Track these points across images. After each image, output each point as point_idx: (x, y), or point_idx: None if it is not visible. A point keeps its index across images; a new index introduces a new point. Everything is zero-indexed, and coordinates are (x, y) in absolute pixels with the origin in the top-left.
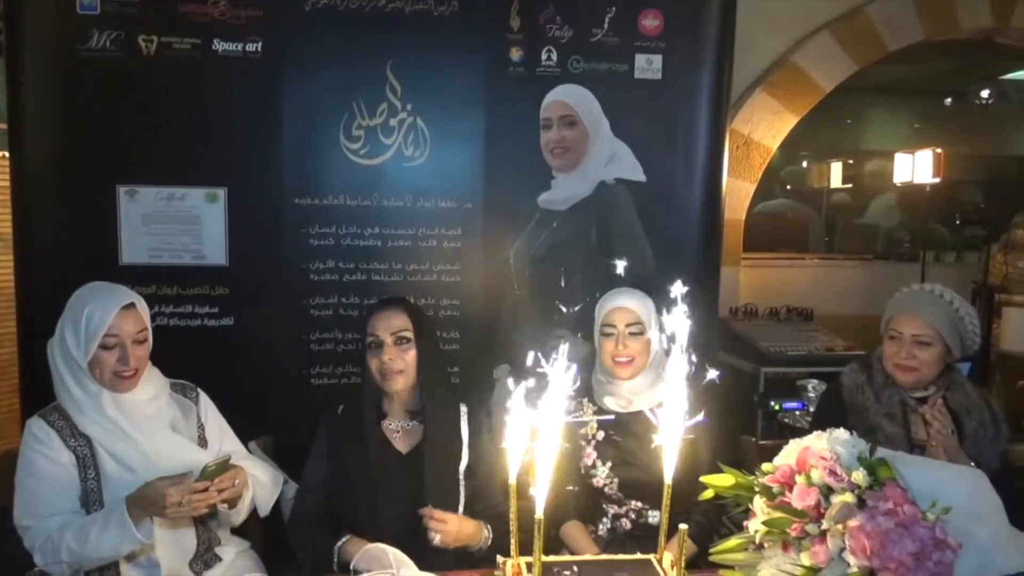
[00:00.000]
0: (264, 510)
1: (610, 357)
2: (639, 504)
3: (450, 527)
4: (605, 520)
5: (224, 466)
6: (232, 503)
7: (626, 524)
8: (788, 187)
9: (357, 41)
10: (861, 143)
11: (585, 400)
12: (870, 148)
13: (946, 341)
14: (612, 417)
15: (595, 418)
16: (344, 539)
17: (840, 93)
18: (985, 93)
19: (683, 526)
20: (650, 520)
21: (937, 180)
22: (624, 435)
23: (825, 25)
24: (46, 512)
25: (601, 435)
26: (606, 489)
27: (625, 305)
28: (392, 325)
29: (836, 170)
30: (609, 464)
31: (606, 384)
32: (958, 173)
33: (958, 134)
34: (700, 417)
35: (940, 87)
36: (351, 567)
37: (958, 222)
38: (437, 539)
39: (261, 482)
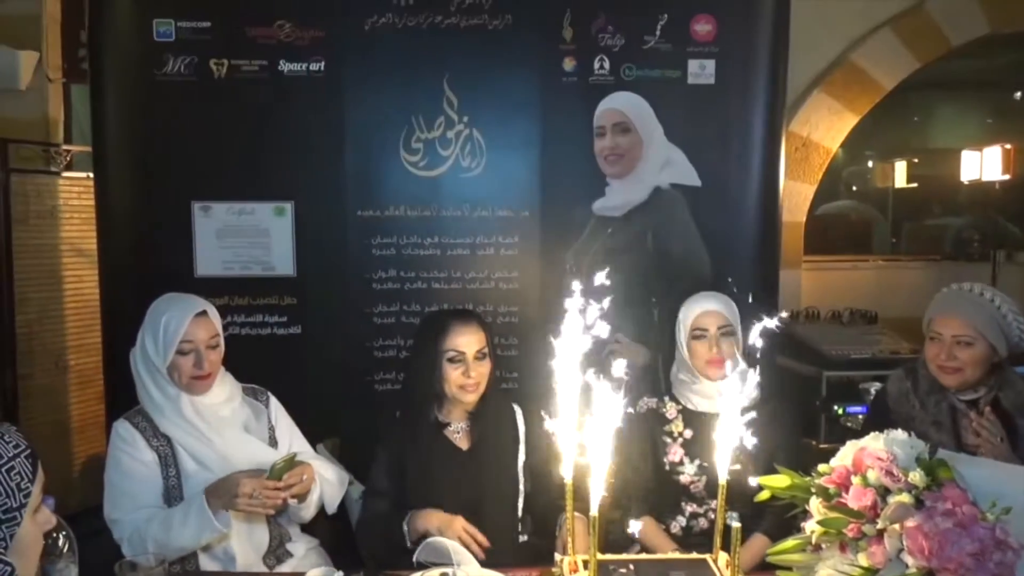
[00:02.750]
0: (331, 508)
1: (704, 360)
2: None
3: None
4: (680, 518)
5: (291, 463)
6: (302, 498)
7: (703, 523)
8: (854, 188)
9: (414, 57)
10: (928, 141)
11: (667, 398)
12: (937, 146)
13: (989, 340)
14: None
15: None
16: (407, 516)
17: (906, 90)
18: None
19: (736, 524)
20: (729, 523)
21: (1007, 177)
22: (712, 434)
23: (885, 22)
24: (132, 507)
25: (689, 433)
26: (692, 487)
27: (714, 309)
28: (475, 342)
29: (900, 169)
30: (697, 462)
31: (691, 384)
32: None
33: None
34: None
35: (1010, 81)
36: (414, 560)
37: None
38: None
39: (328, 480)
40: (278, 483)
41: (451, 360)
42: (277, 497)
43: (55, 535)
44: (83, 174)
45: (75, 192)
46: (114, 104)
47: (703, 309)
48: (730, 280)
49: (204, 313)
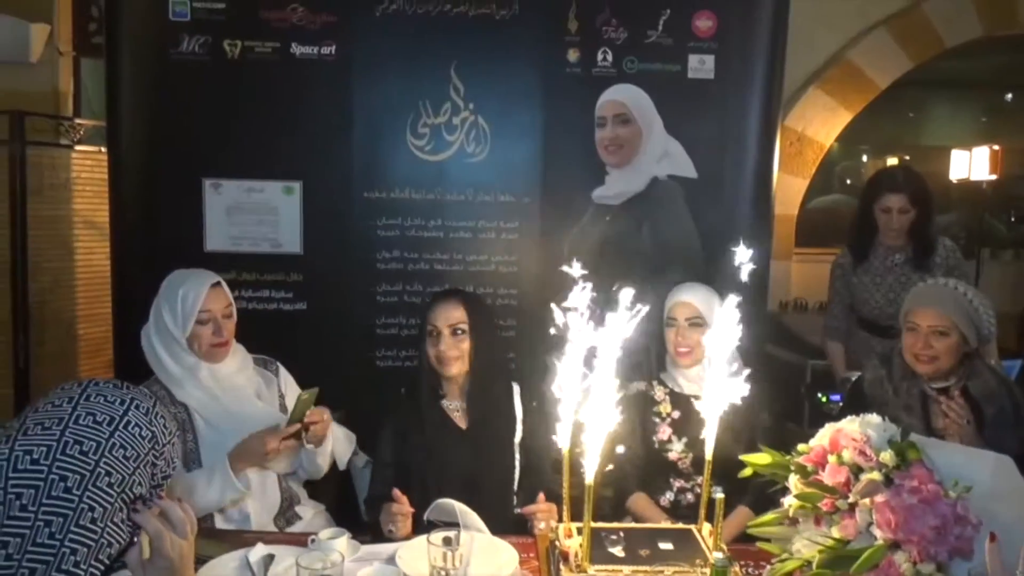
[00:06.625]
0: (342, 463)
1: (672, 346)
2: None
3: (554, 512)
4: (669, 493)
5: (313, 397)
6: (318, 441)
7: (690, 498)
8: (848, 182)
9: (423, 44)
10: (920, 138)
11: (655, 382)
12: (929, 143)
13: (961, 330)
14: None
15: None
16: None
17: (900, 86)
18: None
19: (720, 495)
20: (714, 496)
21: (994, 177)
22: (698, 414)
23: (881, 22)
24: None
25: (677, 414)
26: (679, 464)
27: (686, 300)
28: (449, 318)
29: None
30: (685, 440)
31: (675, 368)
32: (1018, 169)
33: (1019, 129)
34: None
35: (1001, 82)
36: (424, 518)
37: (1012, 219)
38: (542, 525)
39: (338, 437)
40: (298, 426)
41: (429, 334)
42: (292, 430)
43: None
44: (95, 148)
45: (87, 165)
46: (129, 81)
47: (676, 300)
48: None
49: (218, 284)
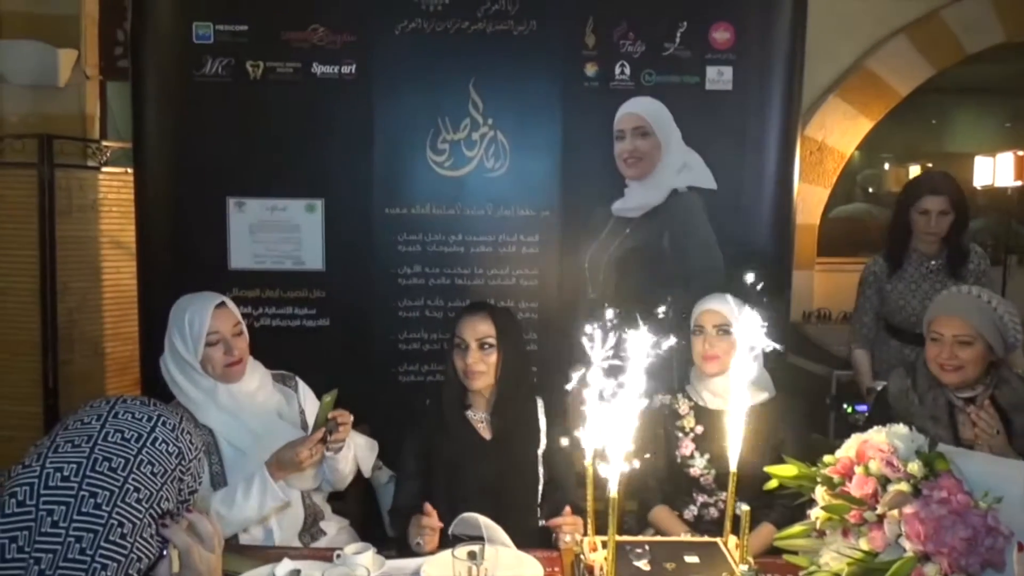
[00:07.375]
0: (366, 470)
1: (699, 355)
2: None
3: (579, 525)
4: (692, 508)
5: (334, 398)
6: (338, 447)
7: (713, 513)
8: (870, 190)
9: (442, 61)
10: (943, 145)
11: (680, 395)
12: (952, 150)
13: (987, 339)
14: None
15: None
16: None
17: (922, 93)
18: None
19: (745, 507)
20: (737, 512)
21: (1019, 183)
22: (722, 430)
23: (901, 29)
24: None
25: (700, 429)
26: (701, 479)
27: (713, 308)
28: (477, 331)
29: (914, 173)
30: (707, 456)
31: (702, 381)
32: None
33: None
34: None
35: None
36: (449, 532)
37: None
38: (567, 539)
39: (359, 445)
40: (323, 432)
41: (457, 346)
42: (318, 437)
43: None
44: (121, 169)
45: (114, 186)
46: (154, 103)
47: (703, 308)
48: (750, 281)
49: (223, 304)
